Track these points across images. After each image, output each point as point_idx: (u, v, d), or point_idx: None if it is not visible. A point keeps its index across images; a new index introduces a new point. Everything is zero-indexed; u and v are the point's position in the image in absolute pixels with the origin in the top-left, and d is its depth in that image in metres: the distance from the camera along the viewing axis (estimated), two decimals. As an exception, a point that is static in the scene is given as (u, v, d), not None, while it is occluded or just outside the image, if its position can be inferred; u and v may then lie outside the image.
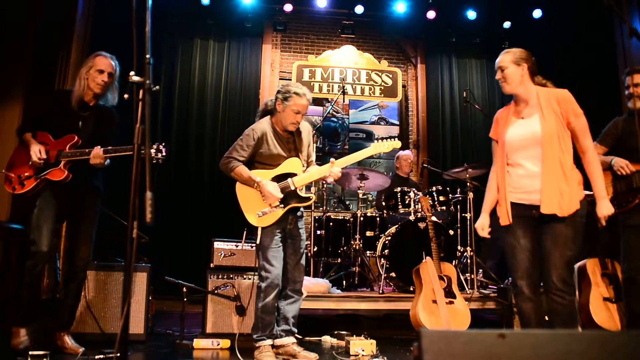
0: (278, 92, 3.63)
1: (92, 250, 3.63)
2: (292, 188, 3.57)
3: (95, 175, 3.70)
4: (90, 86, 3.58)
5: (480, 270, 5.51)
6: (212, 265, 4.30)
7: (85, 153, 3.47)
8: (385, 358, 3.57)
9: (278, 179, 3.58)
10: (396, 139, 3.79)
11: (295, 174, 3.61)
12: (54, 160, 3.49)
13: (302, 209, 3.76)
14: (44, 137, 3.55)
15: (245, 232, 4.13)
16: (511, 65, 3.11)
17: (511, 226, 3.10)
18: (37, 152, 3.43)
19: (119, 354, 1.79)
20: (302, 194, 3.63)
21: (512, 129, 3.14)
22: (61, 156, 3.49)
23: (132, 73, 1.86)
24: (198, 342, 3.87)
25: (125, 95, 1.88)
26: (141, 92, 1.85)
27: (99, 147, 3.45)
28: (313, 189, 5.20)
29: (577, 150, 3.07)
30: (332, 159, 3.63)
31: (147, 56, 1.86)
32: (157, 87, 1.90)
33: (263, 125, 3.63)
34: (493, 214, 3.24)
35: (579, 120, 3.03)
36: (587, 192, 5.10)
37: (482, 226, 3.29)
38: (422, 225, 5.07)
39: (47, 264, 3.62)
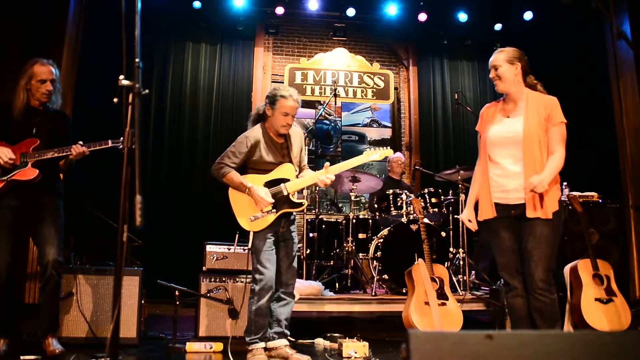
0: (267, 97, 3.67)
1: (60, 251, 3.62)
2: (285, 193, 3.59)
3: (55, 178, 3.74)
4: (36, 96, 3.61)
5: (473, 272, 5.53)
6: (204, 268, 4.29)
7: (56, 151, 3.54)
8: (377, 360, 3.59)
9: (271, 184, 3.60)
10: (388, 147, 3.81)
11: (288, 180, 3.63)
12: (18, 163, 3.52)
13: (294, 213, 3.77)
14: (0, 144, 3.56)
15: (237, 235, 4.14)
16: (505, 64, 3.15)
17: (494, 228, 3.17)
18: (5, 153, 3.47)
19: (109, 358, 1.79)
20: (295, 199, 3.64)
21: (495, 126, 3.20)
22: (27, 157, 3.54)
23: (121, 77, 1.86)
24: (191, 346, 3.86)
25: (115, 99, 1.88)
26: (131, 95, 1.85)
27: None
28: (305, 192, 5.21)
29: (547, 151, 3.09)
30: (326, 163, 3.67)
31: (137, 60, 1.87)
32: (147, 90, 1.90)
33: (256, 132, 3.64)
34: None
35: (559, 127, 3.07)
36: (578, 193, 5.13)
37: (469, 218, 3.34)
38: (414, 227, 5.09)
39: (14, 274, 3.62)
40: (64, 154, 3.55)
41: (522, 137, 3.04)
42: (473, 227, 3.34)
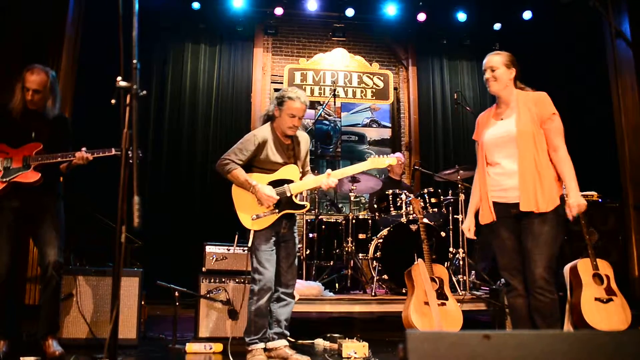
0: (275, 98, 3.71)
1: (61, 252, 3.62)
2: (288, 194, 3.61)
3: (56, 181, 3.75)
4: (25, 100, 3.60)
5: (473, 272, 5.52)
6: (204, 269, 4.29)
7: (60, 156, 3.54)
8: (377, 360, 3.58)
9: (275, 184, 3.61)
10: (391, 155, 3.85)
11: (292, 181, 3.65)
12: (21, 165, 3.53)
13: (295, 214, 3.78)
14: (1, 147, 3.56)
15: (237, 236, 4.14)
16: (502, 67, 3.20)
17: (495, 228, 3.20)
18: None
19: (108, 359, 1.79)
20: (297, 201, 3.66)
21: (490, 129, 3.26)
22: (30, 160, 3.54)
23: (119, 78, 1.86)
24: (190, 347, 3.86)
25: (113, 101, 1.88)
26: (128, 97, 1.85)
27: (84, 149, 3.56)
28: (305, 193, 5.21)
29: (548, 148, 3.11)
30: (328, 170, 3.70)
31: (134, 61, 1.86)
32: (145, 92, 1.90)
33: (264, 131, 3.67)
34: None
35: (553, 120, 3.10)
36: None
37: (469, 227, 3.42)
38: (413, 227, 5.08)
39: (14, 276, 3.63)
40: (68, 159, 3.56)
41: (516, 135, 3.07)
42: (471, 235, 3.41)
